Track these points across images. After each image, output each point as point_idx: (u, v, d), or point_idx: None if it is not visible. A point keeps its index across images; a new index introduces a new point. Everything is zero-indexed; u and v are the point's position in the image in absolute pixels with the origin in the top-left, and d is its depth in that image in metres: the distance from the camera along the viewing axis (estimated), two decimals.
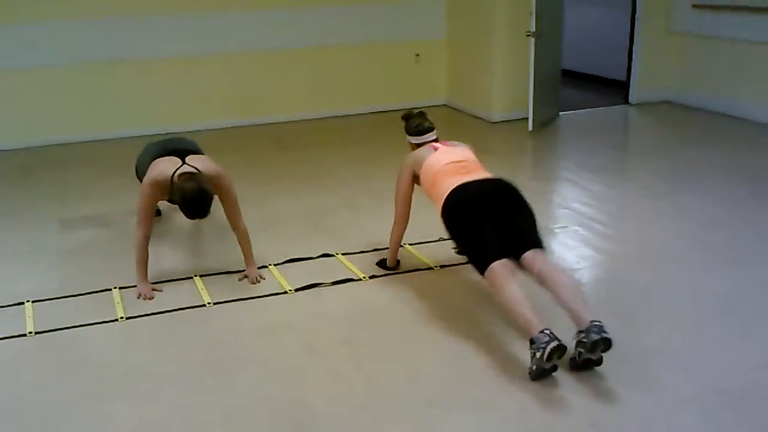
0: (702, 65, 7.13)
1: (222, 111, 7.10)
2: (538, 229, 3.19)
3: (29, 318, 3.37)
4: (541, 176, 5.48)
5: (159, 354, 3.09)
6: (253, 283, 3.67)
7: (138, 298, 3.54)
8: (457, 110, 7.60)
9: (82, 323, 3.31)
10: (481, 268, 3.04)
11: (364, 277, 3.70)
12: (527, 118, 6.64)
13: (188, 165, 3.55)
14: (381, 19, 7.43)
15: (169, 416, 2.66)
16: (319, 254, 3.97)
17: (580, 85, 8.67)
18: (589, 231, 4.23)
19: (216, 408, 2.70)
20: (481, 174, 3.35)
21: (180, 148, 3.81)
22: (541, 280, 3.00)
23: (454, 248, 3.87)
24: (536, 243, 3.12)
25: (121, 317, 3.36)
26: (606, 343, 2.75)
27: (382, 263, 3.84)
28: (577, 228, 4.27)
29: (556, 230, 4.26)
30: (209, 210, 3.45)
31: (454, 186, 3.24)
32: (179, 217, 4.30)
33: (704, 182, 5.02)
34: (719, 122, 6.72)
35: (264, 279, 3.72)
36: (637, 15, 7.36)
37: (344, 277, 3.70)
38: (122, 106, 6.77)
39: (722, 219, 4.36)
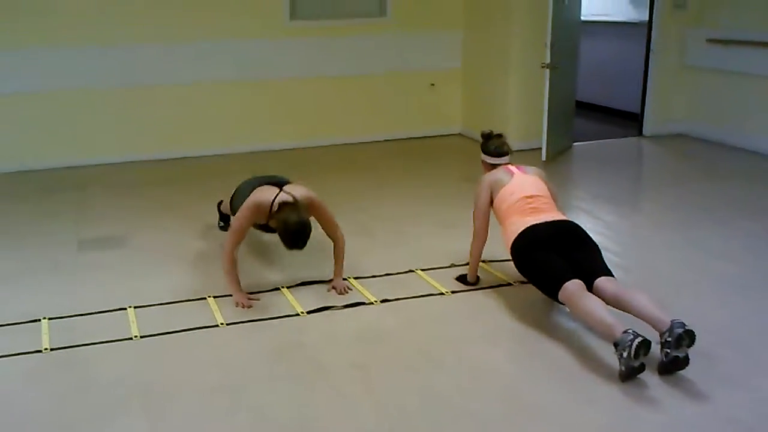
0: (716, 99, 7.17)
1: (236, 137, 7.20)
2: (604, 261, 3.45)
3: (45, 335, 3.43)
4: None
5: (173, 372, 3.13)
6: (340, 293, 3.84)
7: (237, 306, 3.69)
8: (472, 139, 7.66)
9: (97, 341, 3.36)
10: (554, 291, 3.29)
11: (446, 292, 3.85)
12: (541, 148, 6.70)
13: (285, 192, 3.74)
14: (398, 48, 7.54)
15: None
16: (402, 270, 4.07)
17: (594, 117, 8.73)
18: None
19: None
20: (550, 214, 3.55)
21: (277, 181, 4.00)
22: (617, 301, 3.21)
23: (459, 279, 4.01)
24: (606, 271, 3.36)
25: (136, 336, 3.41)
26: (690, 336, 2.92)
27: (462, 278, 3.97)
28: None
29: None
30: (307, 242, 3.61)
31: (524, 228, 3.48)
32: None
33: (716, 215, 5.03)
34: (732, 156, 6.74)
35: (351, 290, 3.90)
36: (651, 48, 7.44)
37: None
38: (142, 131, 6.89)
39: (732, 252, 4.37)
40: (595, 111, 8.91)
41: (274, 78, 7.21)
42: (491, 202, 3.76)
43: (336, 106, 7.47)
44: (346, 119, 7.53)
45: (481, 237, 3.83)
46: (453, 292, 3.84)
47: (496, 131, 4.05)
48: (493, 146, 3.93)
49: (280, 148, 7.28)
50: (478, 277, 3.93)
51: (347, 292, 3.86)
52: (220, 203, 4.83)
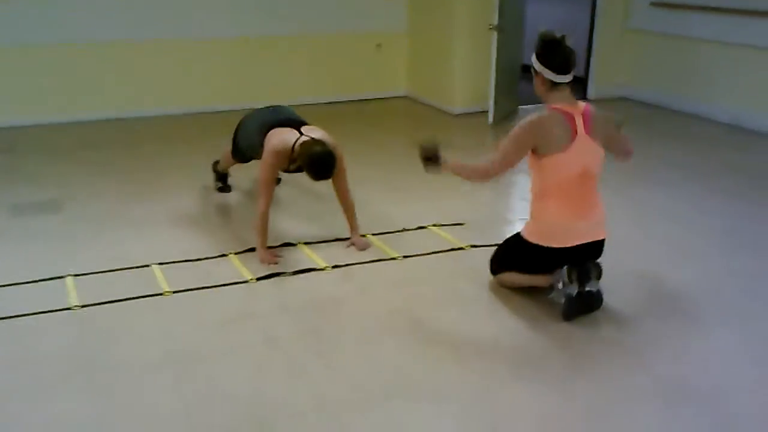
0: (658, 63, 7.25)
1: (170, 98, 6.94)
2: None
3: None
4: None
5: (115, 344, 3.00)
6: (362, 249, 3.81)
7: (262, 263, 3.63)
8: (418, 102, 7.59)
9: (35, 311, 3.20)
10: (509, 268, 3.25)
11: (398, 257, 3.73)
12: (488, 112, 6.68)
13: (305, 135, 3.64)
14: (343, 9, 7.36)
15: (124, 412, 2.59)
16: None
17: None
18: None
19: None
20: (591, 224, 3.09)
21: (292, 119, 3.87)
22: None
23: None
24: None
25: (76, 306, 3.25)
26: (598, 268, 3.05)
27: (431, 158, 3.21)
28: None
29: (518, 220, 4.28)
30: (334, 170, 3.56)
31: (553, 245, 3.07)
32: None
33: (658, 176, 5.13)
34: (674, 119, 6.85)
35: (371, 246, 3.86)
36: (596, 12, 7.46)
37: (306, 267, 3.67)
38: (72, 90, 6.58)
39: (675, 212, 4.45)
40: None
41: (213, 37, 6.96)
42: (532, 150, 3.03)
43: (279, 66, 7.27)
44: (289, 80, 7.34)
45: (484, 179, 3.23)
46: (405, 256, 3.79)
47: (558, 32, 2.99)
48: (560, 56, 2.95)
49: (218, 109, 7.05)
50: (441, 161, 3.19)
51: (367, 248, 3.83)
52: (215, 163, 4.69)
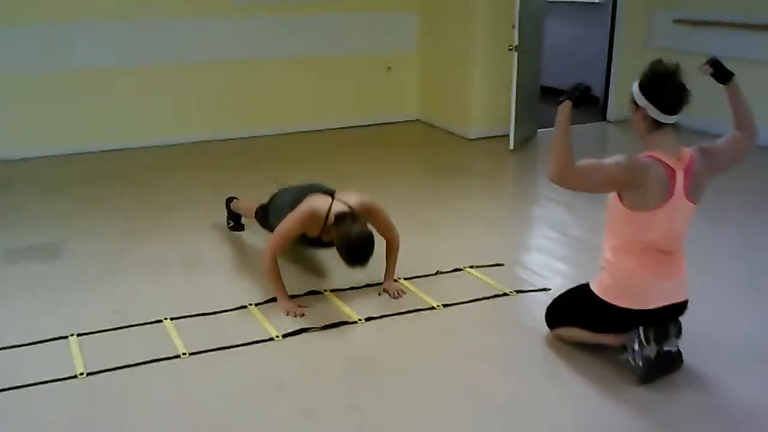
0: None
1: (171, 127, 6.57)
2: None
3: None
4: (529, 198, 5.15)
5: (127, 417, 2.62)
6: (396, 297, 3.47)
7: (287, 315, 3.30)
8: (431, 126, 7.25)
9: (35, 381, 2.81)
10: (572, 324, 2.90)
11: (437, 306, 3.30)
12: (506, 136, 6.34)
13: (339, 201, 3.38)
14: (351, 29, 7.04)
15: None
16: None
17: (553, 101, 8.37)
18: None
19: None
20: (673, 284, 2.71)
21: (324, 190, 3.61)
22: None
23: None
24: None
25: (81, 373, 2.87)
26: (677, 325, 2.72)
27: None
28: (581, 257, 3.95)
29: (560, 260, 3.93)
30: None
31: (629, 306, 2.69)
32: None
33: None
34: (698, 141, 6.52)
35: (405, 293, 3.53)
36: (615, 29, 7.16)
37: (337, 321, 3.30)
38: (67, 120, 6.20)
39: (732, 247, 4.11)
40: (553, 95, 8.54)
41: (217, 60, 6.60)
42: (617, 193, 2.62)
43: (285, 91, 6.92)
44: (296, 105, 6.99)
45: (559, 170, 2.61)
46: (444, 305, 3.42)
47: (670, 62, 2.58)
48: (671, 92, 2.55)
49: (225, 137, 6.71)
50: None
51: (402, 296, 3.49)
52: (230, 200, 4.38)
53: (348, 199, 3.43)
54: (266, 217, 3.84)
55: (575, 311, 2.92)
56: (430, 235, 4.31)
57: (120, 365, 2.92)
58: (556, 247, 4.15)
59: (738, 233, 4.35)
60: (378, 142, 6.71)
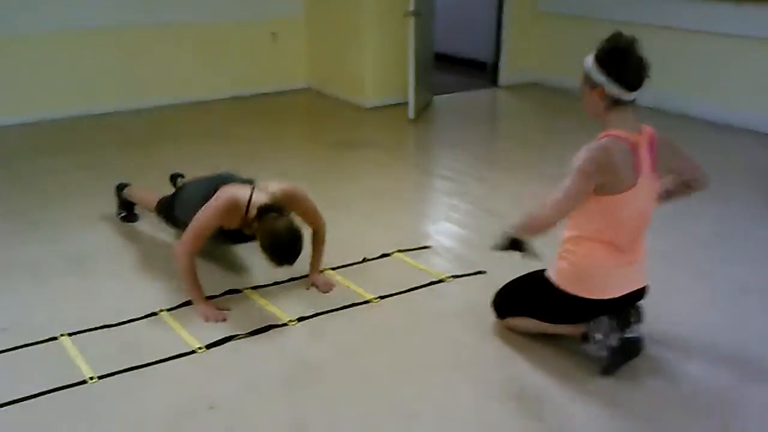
0: (569, 46, 6.95)
1: (36, 102, 5.86)
2: None
3: None
4: (438, 171, 4.94)
5: None
6: (326, 291, 3.17)
7: (206, 320, 2.92)
8: (322, 95, 6.88)
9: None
10: (525, 314, 2.73)
11: (373, 299, 2.96)
12: (403, 104, 6.12)
13: (260, 191, 3.02)
14: None
15: None
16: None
17: (445, 67, 8.18)
18: None
19: None
20: (634, 270, 2.56)
21: (242, 179, 3.25)
22: None
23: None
24: None
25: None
26: (638, 312, 2.63)
27: (512, 243, 2.60)
28: None
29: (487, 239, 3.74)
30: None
31: (593, 297, 2.53)
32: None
33: None
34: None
35: (335, 286, 3.22)
36: None
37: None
38: None
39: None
40: (447, 62, 8.33)
41: (90, 28, 5.91)
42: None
43: (166, 60, 6.33)
44: (178, 75, 6.42)
45: (549, 226, 2.48)
46: (380, 297, 3.15)
47: (628, 35, 2.39)
48: (633, 67, 2.35)
49: (102, 111, 6.05)
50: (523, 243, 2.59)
51: (332, 289, 3.20)
52: (120, 187, 3.86)
53: (268, 188, 3.07)
54: (171, 210, 3.41)
55: (529, 301, 2.73)
56: (345, 217, 4.00)
57: (12, 399, 2.44)
58: (479, 224, 3.96)
59: (708, 221, 4.28)
60: (269, 114, 6.27)
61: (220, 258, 3.50)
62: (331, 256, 3.40)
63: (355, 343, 2.83)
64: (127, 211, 3.88)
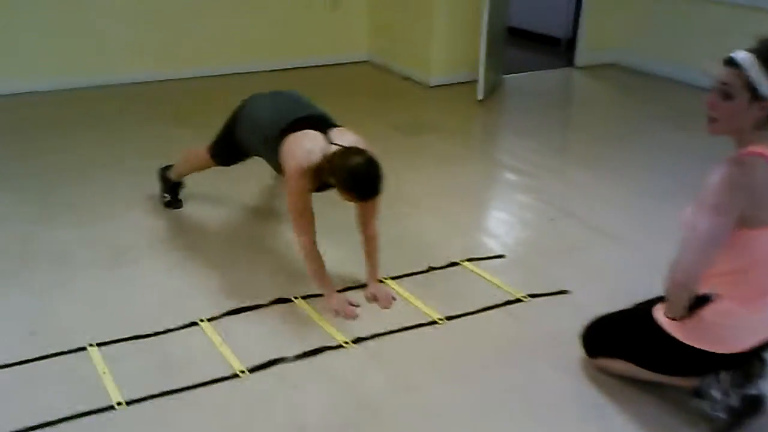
0: (658, 24, 6.35)
1: (76, 66, 5.57)
2: None
3: None
4: (512, 163, 4.46)
5: None
6: (386, 306, 2.80)
7: (337, 315, 2.70)
8: (384, 69, 6.44)
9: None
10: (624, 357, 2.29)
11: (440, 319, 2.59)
12: (470, 83, 5.66)
13: (333, 143, 2.68)
14: None
15: None
16: None
17: (516, 43, 7.59)
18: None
19: None
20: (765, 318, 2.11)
21: (314, 115, 2.91)
22: None
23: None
24: None
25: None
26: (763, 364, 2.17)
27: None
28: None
29: (572, 251, 3.31)
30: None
31: (718, 351, 2.09)
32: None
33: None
34: (670, 89, 5.96)
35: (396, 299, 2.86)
36: None
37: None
38: None
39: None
40: (520, 37, 7.72)
41: None
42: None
43: (212, 26, 5.94)
44: (227, 43, 6.03)
45: (696, 283, 2.04)
46: (448, 318, 2.75)
47: None
48: None
49: (145, 79, 5.74)
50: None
51: (393, 304, 2.83)
52: (165, 169, 3.56)
53: (346, 141, 2.72)
54: (232, 136, 3.11)
55: (629, 343, 2.30)
56: (408, 214, 3.61)
57: (31, 425, 2.14)
58: (559, 231, 3.52)
59: None
60: (325, 87, 5.84)
61: (266, 261, 3.14)
62: (391, 259, 3.02)
63: (418, 373, 2.45)
64: (172, 196, 3.56)
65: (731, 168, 1.94)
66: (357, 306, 2.77)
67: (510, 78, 6.30)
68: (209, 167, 3.35)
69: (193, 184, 3.65)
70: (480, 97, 5.53)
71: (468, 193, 3.96)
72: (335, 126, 2.84)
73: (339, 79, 6.18)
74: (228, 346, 2.53)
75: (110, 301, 2.80)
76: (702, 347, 2.09)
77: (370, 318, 2.73)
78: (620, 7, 6.51)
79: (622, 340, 2.32)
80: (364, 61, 6.63)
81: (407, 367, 2.48)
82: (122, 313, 2.72)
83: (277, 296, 2.84)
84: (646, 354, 2.25)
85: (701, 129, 2.07)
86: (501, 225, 3.65)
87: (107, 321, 2.65)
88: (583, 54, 6.66)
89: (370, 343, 2.59)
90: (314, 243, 2.74)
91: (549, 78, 6.52)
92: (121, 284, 2.92)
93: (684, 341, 2.11)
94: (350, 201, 2.65)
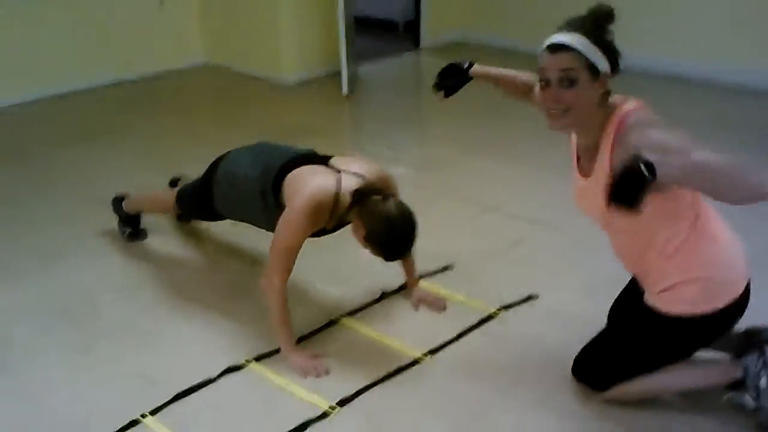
0: (492, 1, 6.34)
1: None
2: None
3: None
4: (406, 161, 4.12)
5: None
6: (439, 309, 2.61)
7: (302, 375, 2.26)
8: (227, 71, 5.87)
9: None
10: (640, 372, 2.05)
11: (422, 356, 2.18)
12: (331, 77, 5.34)
13: (348, 173, 2.35)
14: None
15: None
16: None
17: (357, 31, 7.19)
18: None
19: None
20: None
21: (306, 154, 2.53)
22: None
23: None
24: None
25: None
26: None
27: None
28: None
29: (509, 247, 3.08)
30: None
31: (735, 297, 1.94)
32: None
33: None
34: (513, 60, 5.94)
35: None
36: None
37: None
38: None
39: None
40: (365, 26, 7.32)
41: None
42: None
43: (30, 40, 5.09)
44: (45, 59, 5.20)
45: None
46: (430, 352, 2.40)
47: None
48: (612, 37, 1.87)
49: None
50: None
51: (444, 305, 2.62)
52: (118, 200, 3.16)
53: (356, 168, 2.39)
54: (206, 203, 2.66)
55: (637, 352, 2.06)
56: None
57: None
58: (490, 227, 3.27)
59: None
60: (169, 100, 5.24)
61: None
62: (335, 294, 2.62)
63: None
64: (133, 227, 3.16)
65: (643, 116, 1.82)
66: (321, 356, 2.35)
67: (361, 68, 5.99)
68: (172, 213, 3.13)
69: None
70: (345, 91, 5.18)
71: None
72: (329, 158, 2.50)
73: (180, 88, 5.57)
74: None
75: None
76: (724, 303, 1.93)
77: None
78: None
79: (628, 355, 2.08)
80: (203, 65, 6.02)
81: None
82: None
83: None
84: (660, 352, 2.04)
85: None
86: (422, 230, 3.34)
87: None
88: (427, 36, 6.51)
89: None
90: (285, 295, 2.30)
91: (399, 64, 6.30)
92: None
93: (697, 312, 1.93)
94: (383, 259, 2.28)
